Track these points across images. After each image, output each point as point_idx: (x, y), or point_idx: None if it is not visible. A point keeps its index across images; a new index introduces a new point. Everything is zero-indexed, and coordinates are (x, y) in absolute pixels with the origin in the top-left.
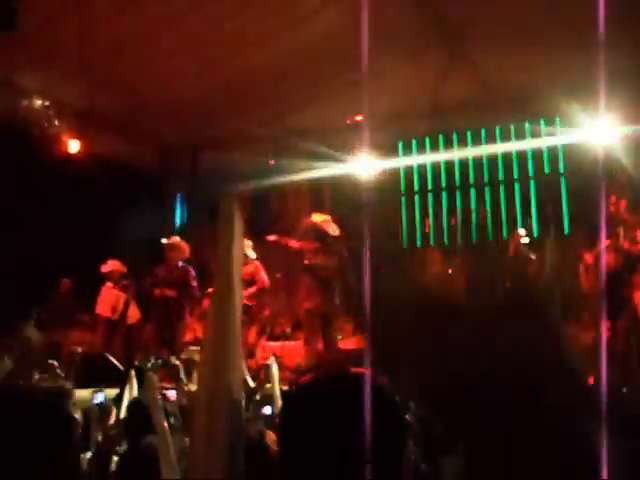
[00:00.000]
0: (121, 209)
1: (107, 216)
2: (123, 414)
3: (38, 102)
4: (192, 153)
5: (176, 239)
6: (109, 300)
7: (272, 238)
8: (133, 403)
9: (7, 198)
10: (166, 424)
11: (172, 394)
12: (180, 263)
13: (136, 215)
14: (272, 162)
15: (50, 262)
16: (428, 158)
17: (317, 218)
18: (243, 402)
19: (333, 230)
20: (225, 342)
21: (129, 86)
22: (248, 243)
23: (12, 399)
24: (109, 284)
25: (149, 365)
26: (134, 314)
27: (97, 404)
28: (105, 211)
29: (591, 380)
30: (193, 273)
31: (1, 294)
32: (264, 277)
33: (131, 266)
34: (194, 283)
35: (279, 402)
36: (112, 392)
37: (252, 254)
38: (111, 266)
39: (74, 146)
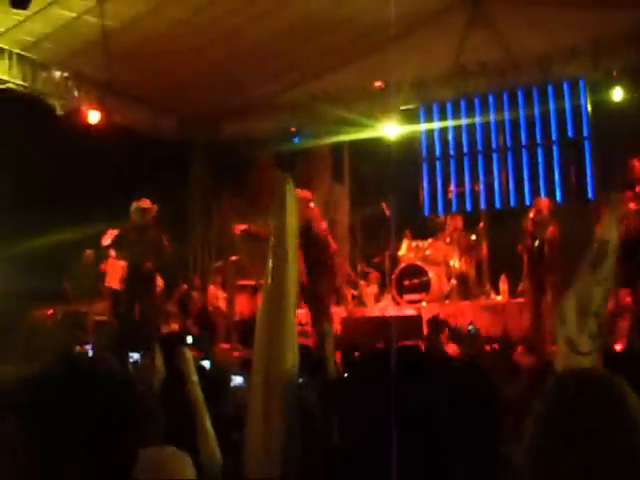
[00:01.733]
0: (143, 180)
1: (129, 187)
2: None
3: (57, 74)
4: (214, 122)
5: (146, 201)
6: (115, 272)
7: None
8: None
9: (31, 170)
10: (202, 398)
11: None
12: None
13: (158, 185)
14: (293, 129)
15: (74, 233)
16: (450, 123)
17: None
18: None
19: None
20: (280, 322)
21: (148, 57)
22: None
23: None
24: (112, 255)
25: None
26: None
27: (133, 362)
28: (127, 182)
29: None
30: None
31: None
32: None
33: None
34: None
35: (333, 370)
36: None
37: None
38: (110, 236)
39: (94, 117)
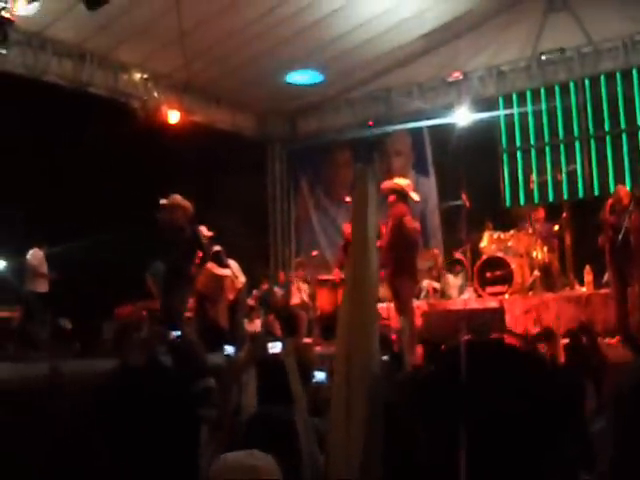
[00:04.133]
0: (224, 177)
1: (210, 184)
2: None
3: (137, 75)
4: (291, 118)
5: (178, 197)
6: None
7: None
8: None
9: (114, 171)
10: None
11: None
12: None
13: (238, 182)
14: (371, 122)
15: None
16: (530, 112)
17: (400, 181)
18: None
19: (414, 196)
20: (362, 318)
21: (225, 56)
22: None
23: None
24: None
25: None
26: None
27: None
28: (208, 179)
29: None
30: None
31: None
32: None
33: (231, 232)
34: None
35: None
36: None
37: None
38: None
39: (174, 117)
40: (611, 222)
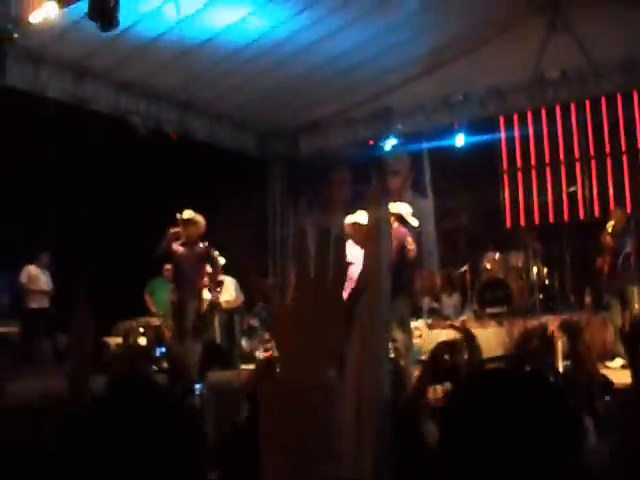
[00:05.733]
0: (225, 195)
1: (211, 202)
2: None
3: (139, 93)
4: (292, 136)
5: (192, 213)
6: None
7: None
8: None
9: (115, 189)
10: None
11: None
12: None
13: (237, 199)
14: (371, 142)
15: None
16: (530, 132)
17: (399, 207)
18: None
19: (413, 221)
20: (373, 342)
21: (225, 74)
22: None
23: None
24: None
25: None
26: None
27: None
28: (209, 198)
29: None
30: (215, 253)
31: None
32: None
33: (231, 249)
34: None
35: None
36: None
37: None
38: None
39: (176, 135)
40: (611, 247)
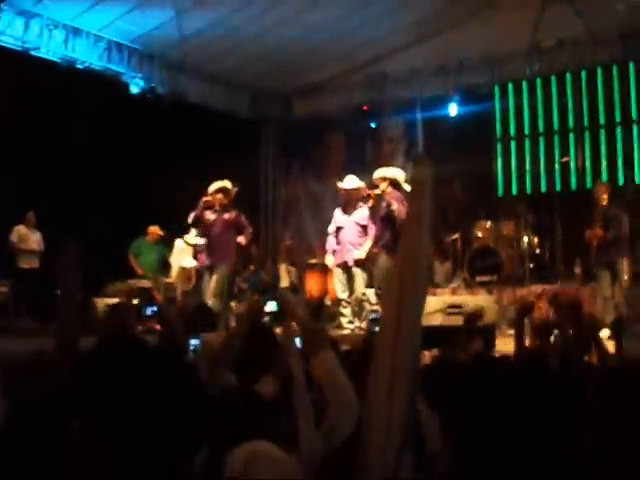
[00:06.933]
0: (216, 156)
1: (203, 164)
2: None
3: (132, 53)
4: (286, 99)
5: (221, 182)
6: None
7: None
8: None
9: (106, 150)
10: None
11: None
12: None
13: (231, 161)
14: (365, 107)
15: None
16: (525, 102)
17: (396, 174)
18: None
19: (407, 187)
20: (410, 316)
21: (221, 35)
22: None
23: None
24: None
25: None
26: None
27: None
28: (201, 159)
29: None
30: (243, 218)
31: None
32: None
33: None
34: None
35: None
36: None
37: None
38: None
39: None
40: (600, 220)
